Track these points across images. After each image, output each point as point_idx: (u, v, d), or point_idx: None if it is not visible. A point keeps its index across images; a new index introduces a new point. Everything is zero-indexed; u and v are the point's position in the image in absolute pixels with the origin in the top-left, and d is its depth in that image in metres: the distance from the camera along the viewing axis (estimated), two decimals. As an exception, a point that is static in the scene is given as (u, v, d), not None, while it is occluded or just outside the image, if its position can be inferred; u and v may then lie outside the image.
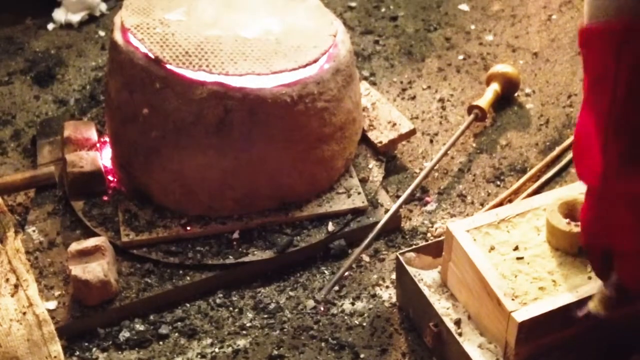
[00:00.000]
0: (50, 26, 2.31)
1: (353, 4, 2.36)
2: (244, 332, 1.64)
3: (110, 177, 1.83)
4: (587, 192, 1.25)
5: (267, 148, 1.71)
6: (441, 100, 2.10)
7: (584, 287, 1.40)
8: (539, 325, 1.38)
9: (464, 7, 2.33)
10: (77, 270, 1.61)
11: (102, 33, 2.28)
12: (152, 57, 1.66)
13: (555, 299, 1.39)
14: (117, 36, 1.71)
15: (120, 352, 1.61)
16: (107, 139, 1.87)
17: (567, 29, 2.26)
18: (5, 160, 1.97)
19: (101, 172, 1.80)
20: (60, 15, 2.32)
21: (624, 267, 1.26)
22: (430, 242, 1.67)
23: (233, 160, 1.70)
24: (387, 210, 1.79)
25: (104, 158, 1.85)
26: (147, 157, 1.73)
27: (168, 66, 1.65)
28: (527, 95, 2.11)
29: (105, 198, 1.81)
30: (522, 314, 1.36)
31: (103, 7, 2.36)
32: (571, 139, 1.97)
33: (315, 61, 1.70)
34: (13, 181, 1.81)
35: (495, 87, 2.04)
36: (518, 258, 1.45)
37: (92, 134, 1.88)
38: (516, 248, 1.46)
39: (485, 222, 1.50)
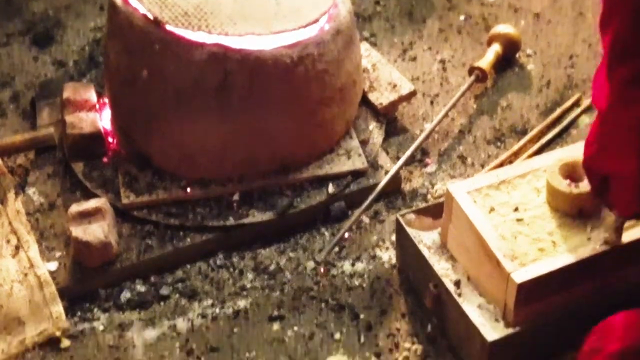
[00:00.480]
0: (49, -14, 2.30)
1: (354, -35, 2.35)
2: (245, 293, 1.65)
3: (109, 139, 1.83)
4: (596, 116, 1.30)
5: (267, 111, 1.70)
6: (442, 61, 2.10)
7: (583, 248, 1.41)
8: (538, 286, 1.38)
9: (466, -34, 2.32)
10: (77, 231, 1.61)
11: (100, -7, 2.28)
12: (151, 18, 1.65)
13: (555, 260, 1.39)
14: (116, -4, 1.71)
15: (121, 313, 1.63)
16: (106, 100, 1.87)
17: (569, -11, 2.25)
18: (4, 122, 1.97)
19: (101, 134, 1.80)
20: (58, -25, 2.31)
21: (617, 190, 1.30)
22: (430, 203, 1.67)
23: (233, 124, 1.70)
24: (387, 172, 1.79)
25: (104, 120, 1.85)
26: (146, 120, 1.73)
27: (167, 27, 1.64)
28: (529, 56, 2.10)
29: (105, 160, 1.81)
30: (521, 275, 1.37)
31: (102, -33, 2.35)
32: (572, 100, 1.98)
33: (315, 22, 1.69)
34: (13, 143, 1.81)
35: (496, 48, 2.03)
36: (518, 219, 1.45)
37: (92, 95, 1.87)
38: (516, 209, 1.47)
39: (485, 184, 1.51)
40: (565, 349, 1.49)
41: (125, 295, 1.65)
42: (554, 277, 1.39)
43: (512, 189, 1.51)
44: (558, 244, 1.42)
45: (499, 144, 1.91)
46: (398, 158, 1.83)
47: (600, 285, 1.46)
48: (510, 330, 1.43)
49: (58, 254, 1.68)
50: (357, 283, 1.66)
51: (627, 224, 1.43)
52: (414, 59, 2.11)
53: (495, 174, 1.53)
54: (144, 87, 1.69)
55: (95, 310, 1.63)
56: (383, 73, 1.96)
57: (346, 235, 1.73)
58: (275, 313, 1.62)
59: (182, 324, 1.61)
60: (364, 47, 2.01)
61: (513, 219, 1.45)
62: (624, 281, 1.47)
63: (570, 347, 1.47)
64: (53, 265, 1.66)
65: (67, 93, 1.86)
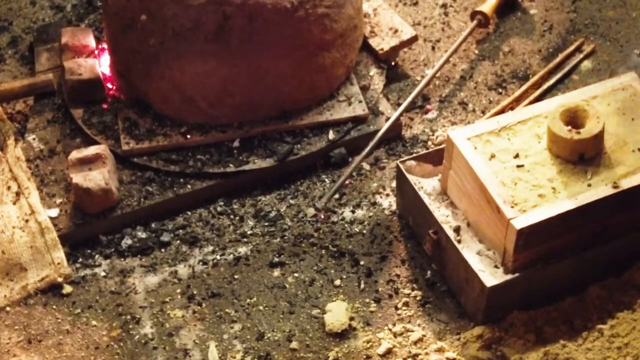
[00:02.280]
0: None
1: None
2: (245, 239, 1.66)
3: (109, 85, 1.84)
4: None
5: (266, 55, 1.70)
6: (444, 5, 2.08)
7: (583, 194, 1.41)
8: (538, 232, 1.40)
9: None
10: (78, 178, 1.62)
11: None
12: (150, -39, 1.65)
13: (555, 206, 1.40)
14: (114, -60, 1.70)
15: (122, 259, 1.64)
16: (105, 46, 1.87)
17: None
18: (3, 68, 1.97)
19: (100, 80, 1.80)
20: None
21: None
22: (430, 150, 1.68)
23: (232, 68, 1.70)
24: (387, 119, 1.79)
25: (103, 65, 1.85)
26: (145, 64, 1.73)
27: (166, -29, 1.64)
28: (531, 0, 2.09)
29: (105, 106, 1.82)
30: (521, 221, 1.38)
31: None
32: (574, 45, 1.97)
33: (315, -34, 1.69)
34: (11, 89, 1.81)
35: None
36: (518, 166, 1.46)
37: (90, 40, 1.87)
38: (517, 156, 1.47)
39: (486, 130, 1.51)
40: (564, 295, 1.51)
41: (127, 241, 1.66)
42: (553, 223, 1.40)
43: (513, 135, 1.51)
44: (558, 190, 1.43)
45: (500, 89, 1.91)
46: (399, 104, 1.83)
47: (599, 231, 1.47)
48: (509, 276, 1.44)
49: (59, 200, 1.69)
50: (357, 230, 1.67)
51: (624, 171, 1.44)
52: (415, 3, 2.09)
53: (496, 120, 1.53)
54: (143, 30, 1.69)
55: (97, 256, 1.65)
56: (384, 18, 1.95)
57: (346, 182, 1.74)
58: (276, 259, 1.63)
59: (183, 270, 1.63)
60: (365, -9, 2.00)
61: (513, 166, 1.46)
62: (623, 227, 1.48)
63: (570, 294, 1.50)
64: (54, 212, 1.67)
65: (66, 38, 1.87)
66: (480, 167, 1.45)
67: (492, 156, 1.47)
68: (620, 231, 1.48)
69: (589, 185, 1.43)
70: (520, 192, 1.42)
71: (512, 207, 1.40)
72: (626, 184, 1.42)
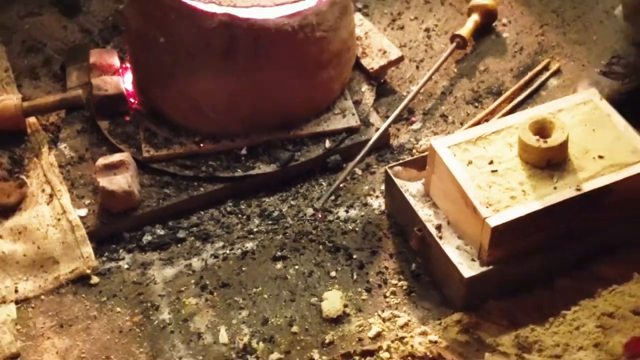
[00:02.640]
0: (74, -39, 2.26)
1: (347, -60, 2.31)
2: (251, 236, 1.67)
3: (131, 100, 1.83)
4: None
5: (269, 72, 1.70)
6: (427, 30, 2.08)
7: (550, 196, 1.43)
8: (510, 229, 1.41)
9: (449, -58, 2.27)
10: (104, 182, 1.63)
11: (120, -33, 2.25)
12: (167, -10, 1.65)
13: (525, 206, 1.42)
14: (135, -30, 1.71)
15: (143, 253, 1.65)
16: (128, 65, 1.87)
17: (541, -35, 2.22)
18: (38, 85, 1.96)
19: (123, 95, 1.80)
20: (83, -49, 2.28)
21: None
22: (415, 157, 1.68)
23: (239, 83, 1.70)
24: (377, 129, 1.79)
25: (126, 82, 1.85)
26: (163, 80, 1.73)
27: (182, -1, 1.64)
28: (504, 25, 2.09)
29: (127, 118, 1.82)
30: (495, 220, 1.40)
31: (122, -57, 2.31)
32: (542, 64, 1.97)
33: (314, -6, 1.69)
34: (45, 103, 1.80)
35: (475, 17, 2.02)
36: (492, 171, 1.47)
37: (115, 60, 1.87)
38: (491, 162, 1.48)
39: (464, 139, 1.52)
40: (534, 285, 1.51)
41: (147, 237, 1.67)
42: (524, 222, 1.41)
43: (488, 144, 1.51)
44: (528, 192, 1.44)
45: (476, 104, 1.91)
46: (387, 117, 1.83)
47: (566, 229, 1.47)
48: (484, 269, 1.45)
49: (87, 201, 1.70)
50: (350, 227, 1.67)
51: (586, 176, 1.45)
52: (401, 27, 2.09)
53: (473, 130, 1.54)
54: (161, 51, 1.69)
55: (121, 251, 1.65)
56: (374, 40, 1.95)
57: (341, 185, 1.74)
58: (279, 254, 1.63)
59: (196, 263, 1.63)
60: (358, 17, 2.00)
61: (488, 171, 1.47)
62: (588, 225, 1.49)
63: (539, 284, 1.51)
64: (83, 212, 1.68)
65: (93, 58, 1.87)
66: (459, 172, 1.46)
67: (470, 162, 1.48)
68: (584, 229, 1.49)
69: (555, 188, 1.44)
70: (494, 194, 1.43)
71: (487, 207, 1.41)
72: (588, 187, 1.44)
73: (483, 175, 1.46)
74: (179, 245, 1.66)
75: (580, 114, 1.56)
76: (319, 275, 1.60)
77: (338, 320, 1.52)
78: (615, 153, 1.48)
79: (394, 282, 1.58)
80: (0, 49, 2.02)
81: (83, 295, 1.58)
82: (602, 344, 1.41)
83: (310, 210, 1.71)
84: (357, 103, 1.85)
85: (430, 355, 1.44)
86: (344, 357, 1.45)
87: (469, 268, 1.45)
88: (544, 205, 1.41)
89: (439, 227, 1.53)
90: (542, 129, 1.47)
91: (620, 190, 1.45)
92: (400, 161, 1.65)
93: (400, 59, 1.93)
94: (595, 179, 1.45)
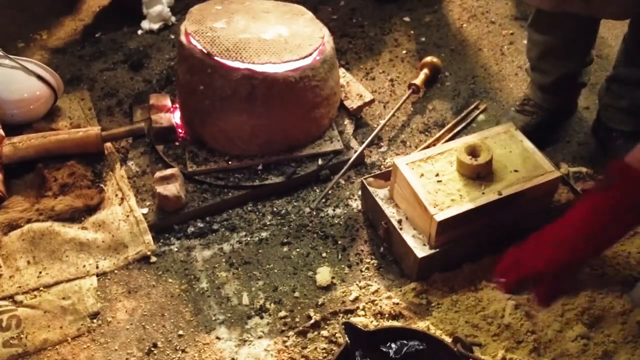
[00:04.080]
0: (139, 32, 2.29)
1: (335, 17, 2.32)
2: (266, 227, 1.67)
3: (179, 130, 1.84)
4: None
5: (279, 112, 1.71)
6: (391, 80, 2.09)
7: (479, 199, 1.43)
8: (450, 223, 1.42)
9: (407, 18, 2.28)
10: (160, 189, 1.64)
11: (172, 36, 2.26)
12: (205, 52, 1.65)
13: (461, 207, 1.43)
14: (183, 38, 1.71)
15: (188, 240, 1.65)
16: (177, 105, 1.88)
17: (472, 33, 2.23)
18: (112, 119, 1.96)
19: (174, 127, 1.81)
20: (145, 24, 2.30)
21: None
22: (383, 171, 1.68)
23: (257, 120, 1.70)
24: (356, 151, 1.80)
25: (176, 117, 1.85)
26: (202, 117, 1.74)
27: (215, 58, 1.65)
28: (446, 76, 2.10)
29: (177, 143, 1.82)
30: (440, 216, 1.41)
31: (173, 19, 2.33)
32: (474, 105, 1.96)
33: (310, 55, 1.69)
34: (118, 132, 1.81)
35: (425, 71, 2.02)
36: (438, 181, 1.47)
37: (168, 102, 1.88)
38: (437, 175, 1.49)
39: (418, 159, 1.52)
40: (467, 262, 1.51)
41: (191, 229, 1.66)
42: (460, 217, 1.42)
43: (435, 162, 1.52)
44: (463, 196, 1.44)
45: (427, 133, 1.91)
46: (363, 142, 1.84)
47: (489, 221, 1.48)
48: (432, 251, 1.46)
49: (148, 203, 1.70)
50: (336, 221, 1.67)
51: (505, 185, 1.44)
52: (373, 78, 2.09)
53: (424, 152, 1.55)
54: (201, 96, 1.70)
55: (172, 238, 1.65)
56: (353, 87, 1.96)
57: (330, 191, 1.74)
58: (285, 240, 1.63)
59: (226, 247, 1.63)
60: (341, 70, 2.01)
61: (435, 181, 1.47)
62: (505, 219, 1.50)
63: (471, 261, 1.51)
64: (145, 210, 1.68)
65: (152, 100, 1.87)
66: (414, 182, 1.47)
67: (422, 175, 1.48)
68: (503, 222, 1.50)
69: (483, 193, 1.45)
70: (439, 198, 1.44)
71: (434, 207, 1.42)
72: (506, 192, 1.44)
73: (431, 184, 1.47)
74: (214, 234, 1.66)
75: (501, 140, 1.56)
76: (314, 255, 1.60)
77: (328, 288, 1.52)
78: (526, 168, 1.49)
79: (367, 260, 1.58)
80: (86, 94, 2.03)
81: (145, 270, 1.58)
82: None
83: (307, 209, 1.71)
84: (341, 132, 1.86)
85: (394, 313, 1.44)
86: (332, 314, 1.46)
87: (421, 250, 1.46)
88: (474, 206, 1.42)
89: (399, 221, 1.53)
90: (474, 151, 1.48)
91: (529, 194, 1.46)
92: (372, 174, 1.66)
93: (372, 101, 1.94)
94: (512, 186, 1.46)
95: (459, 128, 1.90)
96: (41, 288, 1.52)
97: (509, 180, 1.46)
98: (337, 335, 1.40)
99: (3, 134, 1.77)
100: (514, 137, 1.56)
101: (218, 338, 1.44)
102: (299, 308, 1.49)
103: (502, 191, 1.44)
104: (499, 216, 1.48)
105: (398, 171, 1.50)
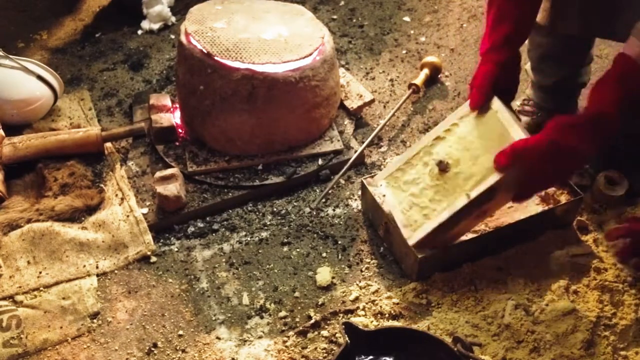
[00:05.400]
0: (139, 32, 2.29)
1: (335, 17, 2.33)
2: (266, 227, 1.67)
3: (180, 130, 1.84)
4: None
5: (279, 111, 1.71)
6: (391, 80, 2.09)
7: (457, 202, 1.37)
8: (429, 239, 1.40)
9: (407, 19, 2.29)
10: (160, 189, 1.64)
11: (172, 36, 2.27)
12: (205, 52, 1.65)
13: (433, 222, 1.39)
14: (183, 38, 1.71)
15: (188, 240, 1.65)
16: (177, 105, 1.88)
17: (473, 33, 2.23)
18: (113, 119, 1.97)
19: (174, 127, 1.81)
20: (145, 24, 2.30)
21: None
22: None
23: (257, 120, 1.70)
24: (356, 151, 1.80)
25: (176, 118, 1.85)
26: (202, 117, 1.74)
27: (215, 58, 1.65)
28: (446, 76, 2.10)
29: (177, 143, 1.82)
30: (413, 240, 1.41)
31: (173, 19, 2.34)
32: None
33: (310, 55, 1.69)
34: (118, 132, 1.81)
35: (426, 71, 2.02)
36: (412, 194, 1.45)
37: (168, 102, 1.88)
38: (413, 182, 1.47)
39: (394, 170, 1.52)
40: (467, 262, 1.50)
41: (191, 229, 1.66)
42: (435, 231, 1.39)
43: (412, 167, 1.49)
44: (436, 209, 1.40)
45: (427, 133, 1.88)
46: (363, 142, 1.84)
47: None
48: (430, 252, 1.45)
49: (148, 203, 1.70)
50: (336, 221, 1.67)
51: (483, 177, 1.36)
52: (373, 78, 2.10)
53: (403, 157, 1.51)
54: (201, 96, 1.70)
55: (172, 238, 1.65)
56: (353, 87, 1.96)
57: (330, 191, 1.74)
58: (285, 240, 1.63)
59: (226, 247, 1.63)
60: (341, 70, 2.01)
61: (410, 193, 1.45)
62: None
63: (471, 261, 1.50)
64: (145, 210, 1.68)
65: (152, 100, 1.87)
66: (392, 206, 1.46)
67: (397, 189, 1.48)
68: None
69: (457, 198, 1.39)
70: (413, 215, 1.43)
71: (408, 228, 1.41)
72: (474, 193, 1.36)
73: (407, 198, 1.45)
74: (214, 234, 1.66)
75: (475, 117, 1.48)
76: (314, 255, 1.60)
77: (328, 288, 1.52)
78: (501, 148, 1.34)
79: (367, 260, 1.58)
80: (86, 94, 2.03)
81: (145, 270, 1.58)
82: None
83: (307, 209, 1.70)
84: (341, 132, 1.85)
85: (394, 313, 1.44)
86: (332, 314, 1.46)
87: (421, 250, 1.45)
88: (450, 214, 1.37)
89: (399, 221, 1.52)
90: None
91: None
92: (372, 174, 1.65)
93: (372, 101, 1.94)
94: (483, 181, 1.34)
95: (458, 128, 1.90)
96: (41, 288, 1.52)
97: (481, 174, 1.35)
98: (337, 335, 1.40)
99: (3, 134, 1.77)
100: (490, 110, 1.44)
101: (218, 338, 1.44)
102: (299, 308, 1.49)
103: (470, 193, 1.35)
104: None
105: (368, 192, 1.48)
